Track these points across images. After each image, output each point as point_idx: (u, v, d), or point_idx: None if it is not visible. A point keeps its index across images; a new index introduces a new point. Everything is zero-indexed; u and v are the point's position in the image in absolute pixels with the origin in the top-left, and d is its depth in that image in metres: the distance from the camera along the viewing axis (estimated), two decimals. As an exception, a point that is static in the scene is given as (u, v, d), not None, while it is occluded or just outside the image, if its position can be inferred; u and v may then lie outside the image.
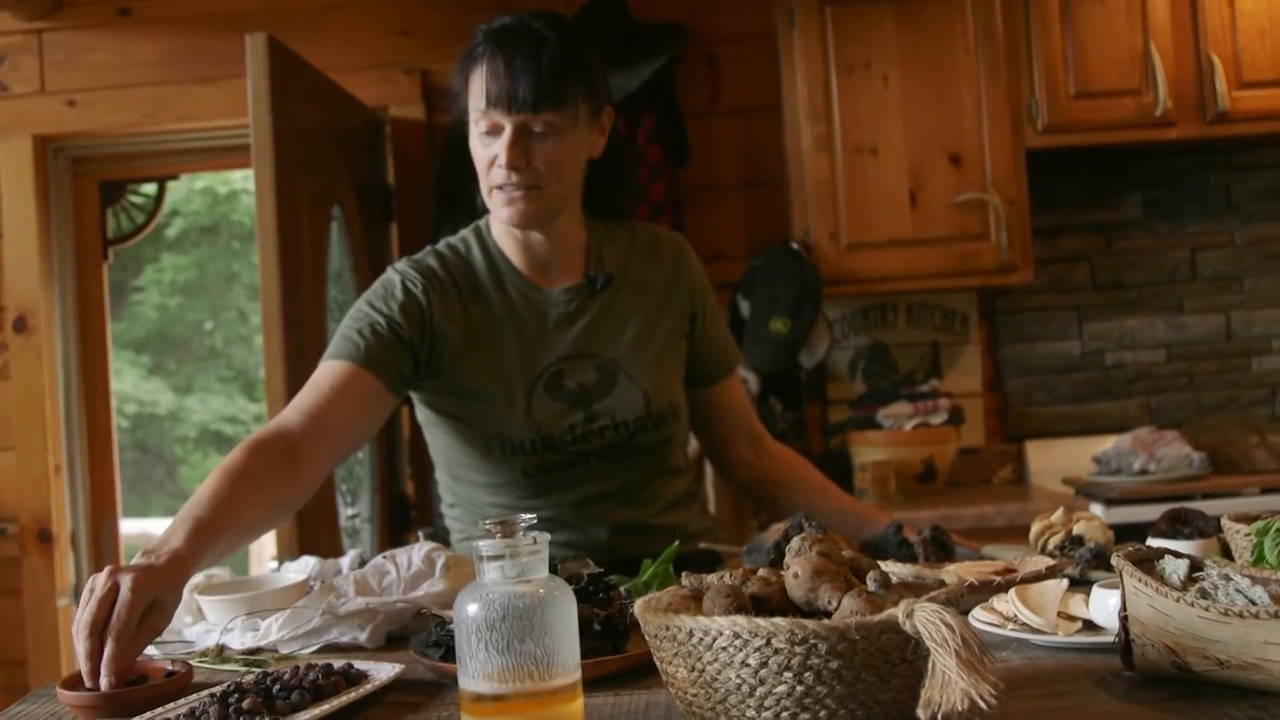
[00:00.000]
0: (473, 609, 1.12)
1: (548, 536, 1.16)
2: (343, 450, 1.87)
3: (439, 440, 2.08)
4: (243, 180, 9.16)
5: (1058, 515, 1.91)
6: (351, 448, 1.90)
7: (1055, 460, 3.90)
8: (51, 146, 4.18)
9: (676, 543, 1.77)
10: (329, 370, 1.90)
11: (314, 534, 3.13)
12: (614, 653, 1.41)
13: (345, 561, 1.86)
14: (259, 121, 3.11)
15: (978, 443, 4.00)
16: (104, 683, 1.34)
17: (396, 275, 2.04)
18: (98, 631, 1.37)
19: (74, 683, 1.39)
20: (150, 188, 4.49)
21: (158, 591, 1.41)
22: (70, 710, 1.35)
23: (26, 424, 4.02)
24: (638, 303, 2.11)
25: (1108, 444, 3.73)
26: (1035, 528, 1.91)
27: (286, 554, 2.99)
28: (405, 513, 3.91)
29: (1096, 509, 3.33)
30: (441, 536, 2.32)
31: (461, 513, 2.10)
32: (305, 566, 1.86)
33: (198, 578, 1.77)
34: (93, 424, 4.23)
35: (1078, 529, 1.87)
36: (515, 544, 1.15)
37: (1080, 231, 4.02)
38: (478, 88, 1.93)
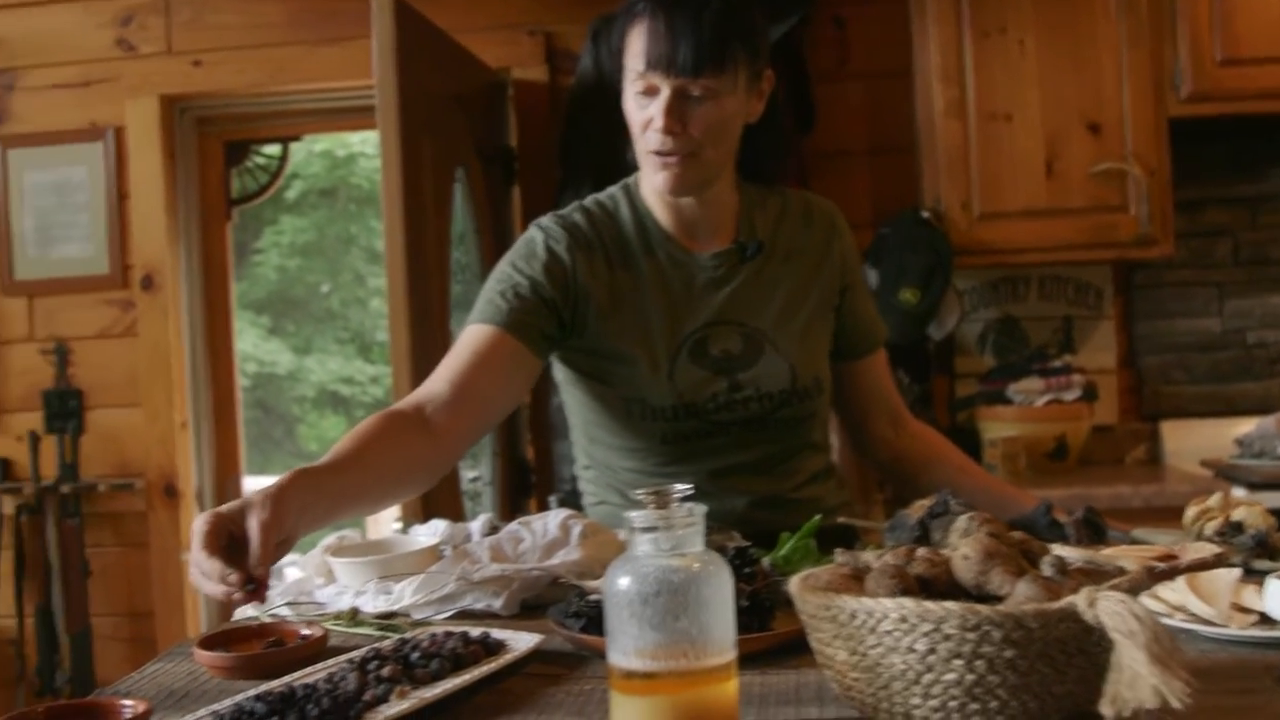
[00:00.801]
0: (625, 582, 1.07)
1: (704, 508, 1.10)
2: (488, 416, 1.84)
3: (576, 401, 2.04)
4: (361, 143, 9.22)
5: (1215, 499, 1.82)
6: (498, 413, 1.87)
7: (1192, 441, 3.77)
8: (177, 106, 4.21)
9: (818, 517, 1.71)
10: (472, 335, 1.87)
11: (436, 496, 3.11)
12: (760, 630, 1.36)
13: (475, 527, 1.83)
14: (384, 83, 3.09)
15: (1111, 421, 3.88)
16: (258, 573, 1.33)
17: (540, 233, 1.99)
18: (218, 537, 1.36)
19: (211, 643, 1.38)
20: (273, 149, 4.51)
21: (248, 508, 1.40)
22: (208, 670, 1.33)
23: (153, 381, 4.07)
24: (787, 272, 2.05)
25: (1247, 426, 3.59)
26: (1191, 512, 1.82)
27: (410, 517, 2.98)
28: (525, 477, 3.90)
29: (1238, 493, 3.21)
30: (571, 502, 2.29)
31: (595, 475, 2.07)
32: (435, 531, 1.83)
33: (329, 538, 1.75)
34: (217, 382, 4.28)
35: (1237, 514, 1.78)
36: (670, 515, 1.10)
37: (1223, 205, 3.87)
38: (636, 47, 1.87)
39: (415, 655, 1.27)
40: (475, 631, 1.36)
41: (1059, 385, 3.65)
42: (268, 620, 1.53)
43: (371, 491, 1.61)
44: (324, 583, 1.68)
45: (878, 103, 3.92)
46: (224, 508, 1.39)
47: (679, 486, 1.12)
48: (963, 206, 3.52)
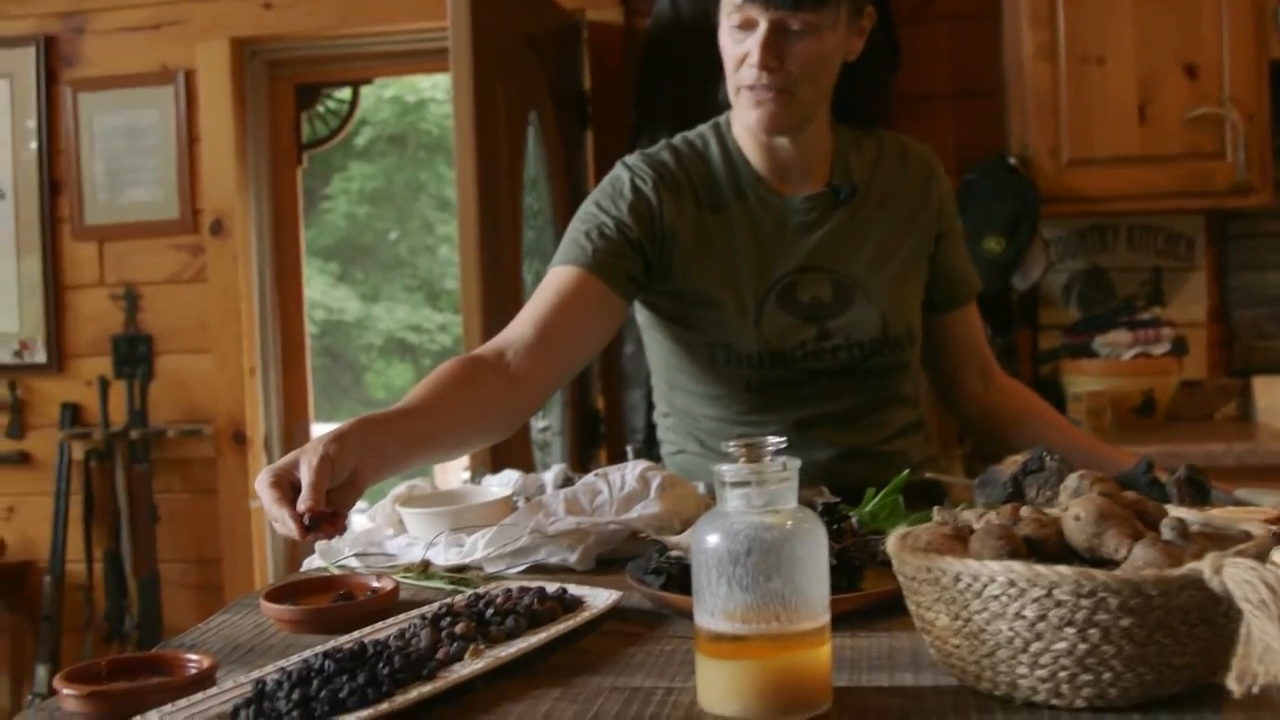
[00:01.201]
0: (714, 540, 1.01)
1: (798, 463, 1.05)
2: (572, 361, 1.79)
3: (659, 345, 1.99)
4: (431, 88, 9.17)
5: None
6: (581, 359, 1.82)
7: (1286, 397, 3.66)
8: (248, 49, 4.18)
9: (906, 471, 1.65)
10: (556, 278, 1.82)
11: (506, 446, 3.07)
12: (850, 590, 1.30)
13: (549, 477, 1.79)
14: (457, 25, 3.04)
15: (1200, 376, 3.77)
16: (303, 508, 1.31)
17: (626, 172, 1.93)
18: (282, 484, 1.35)
19: (278, 595, 1.35)
20: (344, 93, 4.48)
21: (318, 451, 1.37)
22: (275, 624, 1.30)
23: (222, 327, 4.07)
24: (881, 217, 1.97)
25: (1345, 382, 3.48)
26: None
27: (480, 467, 2.95)
28: (595, 428, 3.85)
29: (1337, 452, 3.10)
30: (645, 454, 2.24)
31: (675, 423, 2.01)
32: (508, 481, 1.79)
33: (399, 488, 1.72)
34: (286, 328, 4.26)
35: (1350, 475, 1.70)
36: (762, 470, 1.04)
37: (1324, 152, 3.73)
38: None
39: (490, 612, 1.23)
40: (551, 587, 1.32)
41: (1147, 338, 3.55)
42: (336, 572, 1.50)
43: (445, 437, 1.56)
44: (394, 534, 1.65)
45: (963, 45, 3.81)
46: (285, 459, 1.37)
47: (771, 439, 1.06)
48: (1051, 153, 3.41)
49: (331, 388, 9.49)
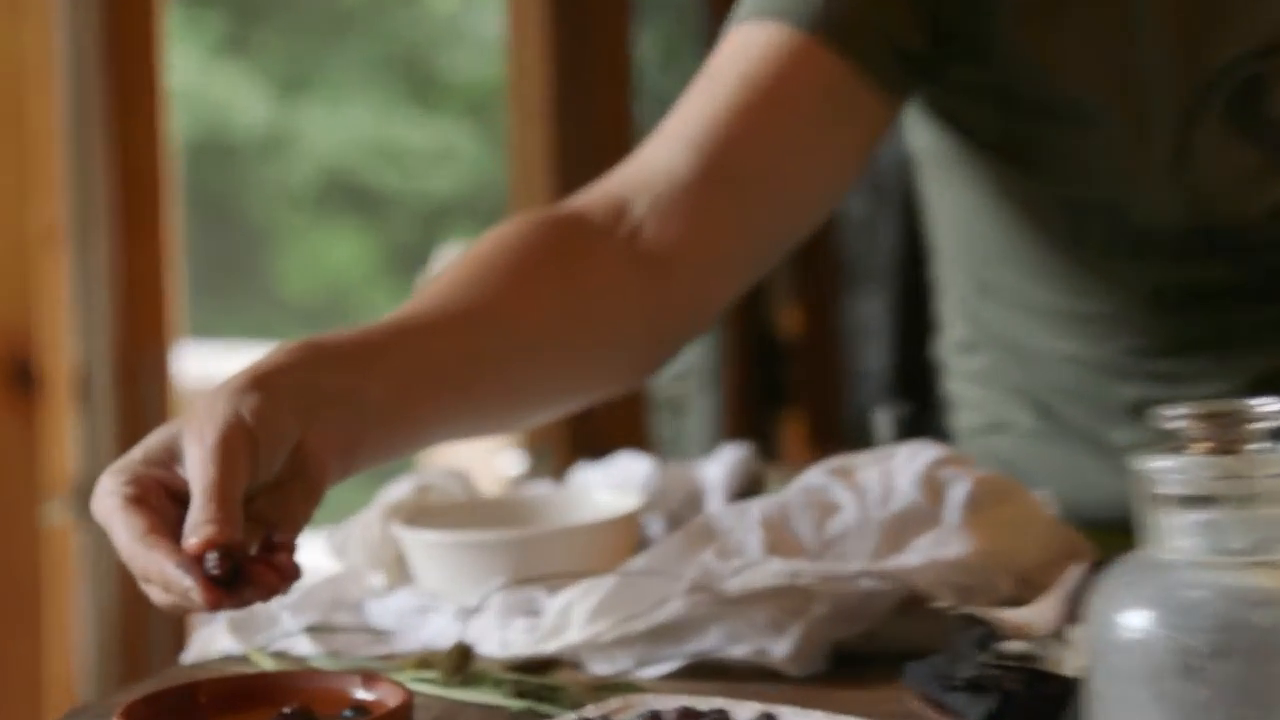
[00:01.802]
0: (1136, 624, 0.49)
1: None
2: (779, 220, 1.07)
3: (954, 206, 1.24)
4: None
5: None
6: (798, 217, 1.13)
7: None
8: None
9: None
10: (744, 50, 1.07)
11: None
12: None
13: (715, 475, 1.14)
14: None
15: None
16: (202, 541, 0.75)
17: None
18: (149, 497, 0.78)
19: (149, 714, 0.79)
20: None
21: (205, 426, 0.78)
22: None
23: None
24: None
25: None
26: None
27: (539, 445, 2.23)
28: (775, 371, 3.04)
29: None
30: (922, 425, 1.46)
31: (990, 363, 1.24)
32: (626, 479, 1.16)
33: (400, 489, 1.09)
34: (127, 150, 2.55)
35: None
36: (1245, 470, 0.51)
37: None
38: None
39: None
40: (743, 712, 0.72)
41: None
42: (269, 666, 0.91)
43: (495, 388, 0.96)
44: (386, 585, 1.03)
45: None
46: (150, 441, 0.81)
47: (1258, 403, 0.53)
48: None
49: (219, 274, 4.60)
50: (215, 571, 0.73)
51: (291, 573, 0.77)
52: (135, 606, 2.36)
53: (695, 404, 2.72)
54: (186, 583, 0.74)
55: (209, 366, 3.00)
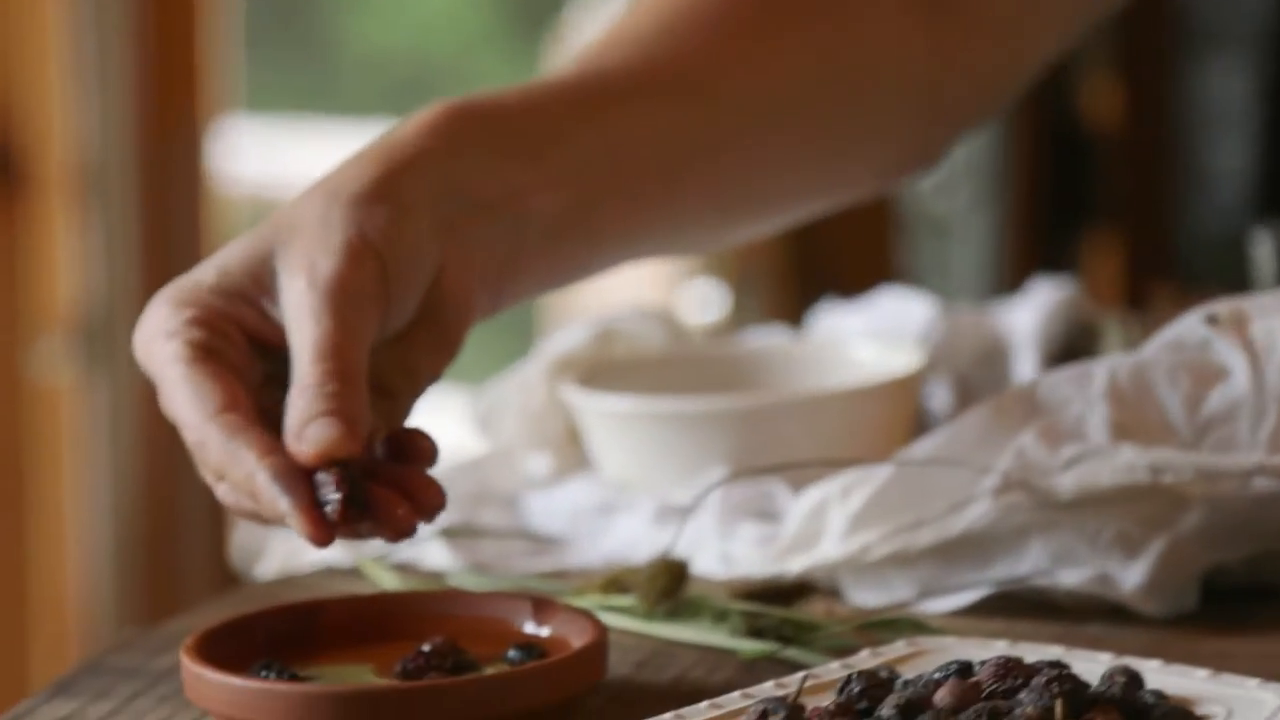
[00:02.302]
0: None
1: None
2: None
3: None
4: None
5: None
6: None
7: None
8: None
9: None
10: None
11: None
12: None
13: (1027, 324, 1.20)
14: None
15: None
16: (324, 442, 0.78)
17: None
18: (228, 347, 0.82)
19: (229, 647, 0.85)
20: None
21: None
22: None
23: None
24: None
25: None
26: None
27: (743, 276, 2.30)
28: (1081, 175, 3.01)
29: None
30: None
31: None
32: (899, 325, 1.21)
33: (573, 336, 1.20)
34: None
35: None
36: None
37: None
38: None
39: None
40: (1088, 666, 0.75)
41: None
42: (391, 584, 1.01)
43: (731, 170, 1.03)
44: (551, 470, 1.13)
45: None
46: (227, 258, 0.84)
47: None
48: None
49: (273, 29, 4.64)
50: (334, 497, 0.76)
51: (434, 501, 0.80)
52: (162, 486, 2.41)
53: (967, 223, 2.75)
54: (283, 504, 0.77)
55: (260, 154, 3.16)
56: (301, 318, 0.81)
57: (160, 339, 0.81)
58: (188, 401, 0.80)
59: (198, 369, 0.81)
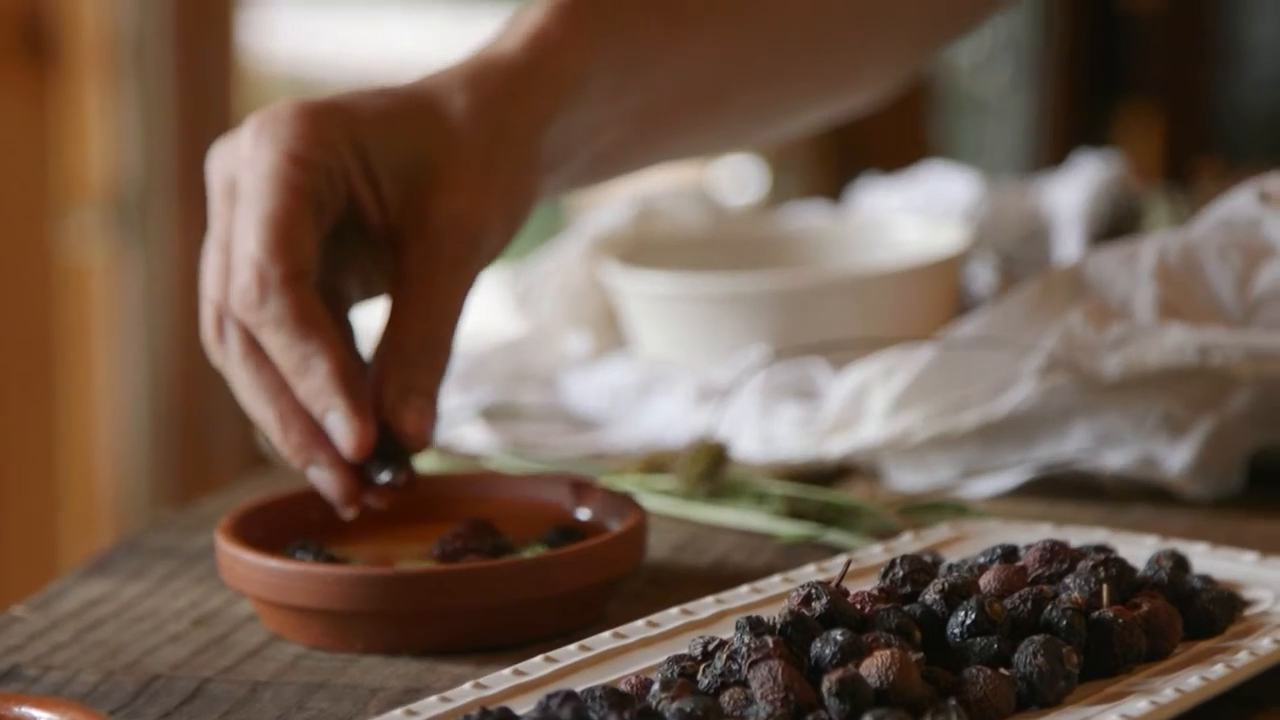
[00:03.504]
0: None
1: None
2: None
3: None
4: None
5: None
6: None
7: None
8: None
9: None
10: None
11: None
12: None
13: (1072, 201, 1.20)
14: None
15: None
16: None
17: None
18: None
19: (264, 526, 0.86)
20: None
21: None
22: (258, 612, 0.83)
23: None
24: None
25: None
26: None
27: (781, 155, 2.29)
28: (1118, 51, 2.87)
29: None
30: None
31: None
32: (940, 203, 1.22)
33: (612, 214, 1.23)
34: None
35: None
36: None
37: None
38: None
39: (965, 618, 0.69)
40: (1134, 549, 0.74)
41: None
42: (428, 466, 0.98)
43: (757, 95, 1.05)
44: (590, 350, 1.13)
45: None
46: (376, 107, 0.84)
47: None
48: None
49: None
50: (386, 477, 0.81)
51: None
52: (195, 365, 2.34)
53: (1006, 100, 2.74)
54: (350, 431, 0.80)
55: (295, 31, 3.15)
56: (433, 280, 0.83)
57: (266, 169, 0.81)
58: (274, 242, 0.81)
59: (301, 222, 0.82)
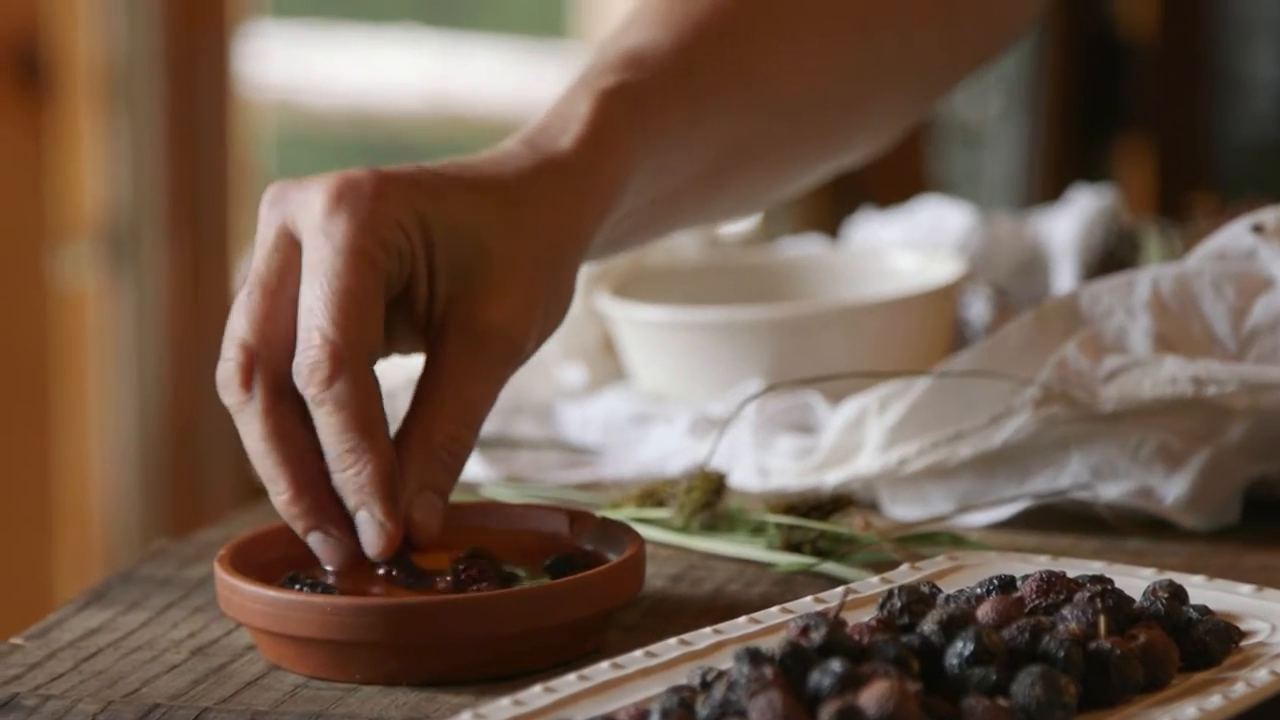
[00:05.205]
0: None
1: None
2: None
3: None
4: None
5: None
6: None
7: None
8: None
9: None
10: None
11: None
12: None
13: (1067, 233, 1.22)
14: None
15: None
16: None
17: None
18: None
19: (256, 557, 0.86)
20: None
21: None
22: (258, 644, 0.82)
23: None
24: None
25: None
26: None
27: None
28: (1114, 84, 2.92)
29: None
30: None
31: None
32: (936, 234, 1.25)
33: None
34: None
35: None
36: None
37: None
38: None
39: (963, 648, 0.69)
40: (1130, 581, 0.75)
41: None
42: None
43: (806, 124, 1.08)
44: (586, 381, 1.14)
45: None
46: (438, 185, 0.85)
47: None
48: None
49: None
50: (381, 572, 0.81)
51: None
52: (187, 394, 2.32)
53: (999, 131, 2.74)
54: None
55: (287, 59, 3.19)
56: (469, 382, 0.85)
57: (365, 245, 0.82)
58: (348, 326, 0.82)
59: (370, 306, 0.82)
